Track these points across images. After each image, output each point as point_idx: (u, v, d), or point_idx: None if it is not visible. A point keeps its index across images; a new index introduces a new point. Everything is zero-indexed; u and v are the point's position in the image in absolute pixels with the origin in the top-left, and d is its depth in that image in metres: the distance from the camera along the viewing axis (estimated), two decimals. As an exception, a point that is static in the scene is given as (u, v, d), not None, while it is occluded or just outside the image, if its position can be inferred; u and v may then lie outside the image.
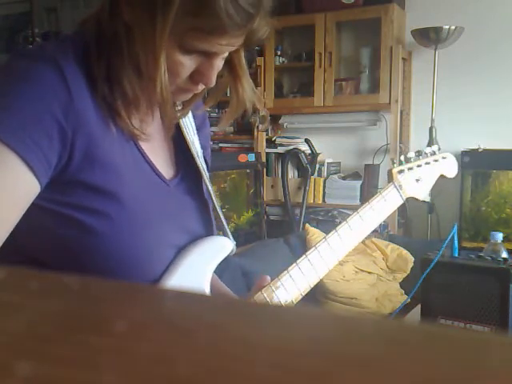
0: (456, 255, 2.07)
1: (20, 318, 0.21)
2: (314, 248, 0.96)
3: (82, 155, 0.71)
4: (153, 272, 0.79)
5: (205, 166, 0.92)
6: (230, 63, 0.79)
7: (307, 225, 2.98)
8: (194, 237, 0.86)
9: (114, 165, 0.74)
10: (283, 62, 3.77)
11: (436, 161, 1.14)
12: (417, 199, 1.10)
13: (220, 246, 0.88)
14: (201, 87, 0.77)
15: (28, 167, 0.67)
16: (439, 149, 1.15)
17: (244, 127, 3.87)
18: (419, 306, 2.16)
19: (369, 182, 3.48)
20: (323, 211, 3.59)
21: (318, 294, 2.62)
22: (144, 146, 0.81)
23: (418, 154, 1.11)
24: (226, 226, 0.93)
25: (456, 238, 2.07)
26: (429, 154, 1.12)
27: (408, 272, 2.70)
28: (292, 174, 3.75)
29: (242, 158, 3.52)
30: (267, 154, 3.77)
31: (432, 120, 3.27)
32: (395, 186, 1.05)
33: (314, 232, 2.80)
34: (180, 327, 0.21)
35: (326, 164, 3.65)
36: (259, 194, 3.62)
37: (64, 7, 4.51)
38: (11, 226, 0.68)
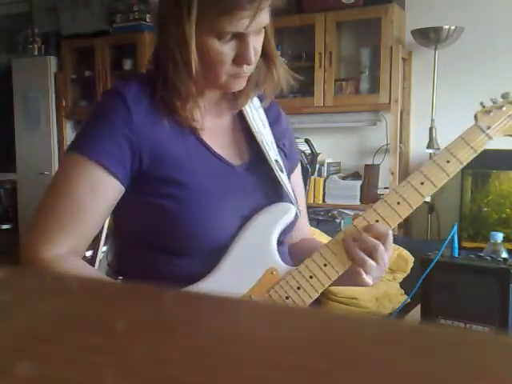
0: (456, 255, 2.07)
1: (20, 317, 0.21)
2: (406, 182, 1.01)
3: (149, 157, 0.95)
4: (221, 238, 0.96)
5: (278, 157, 1.06)
6: (263, 48, 0.98)
7: (307, 225, 2.98)
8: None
9: (176, 158, 0.96)
10: (283, 62, 3.76)
11: None
12: None
13: (284, 210, 1.01)
14: (246, 69, 0.95)
15: (111, 174, 0.93)
16: None
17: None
18: (419, 306, 2.16)
19: (369, 182, 3.48)
20: (323, 211, 3.59)
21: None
22: (206, 138, 1.00)
23: (507, 95, 1.10)
24: (293, 200, 1.05)
25: (456, 238, 2.07)
26: None
27: (408, 272, 2.70)
28: (292, 173, 3.75)
29: (242, 158, 3.52)
30: (267, 154, 3.77)
31: (432, 120, 3.26)
32: (478, 126, 1.05)
33: (313, 232, 2.80)
34: (179, 327, 0.21)
35: (326, 164, 3.65)
36: (259, 194, 3.61)
37: (64, 7, 4.50)
38: (102, 222, 0.98)
